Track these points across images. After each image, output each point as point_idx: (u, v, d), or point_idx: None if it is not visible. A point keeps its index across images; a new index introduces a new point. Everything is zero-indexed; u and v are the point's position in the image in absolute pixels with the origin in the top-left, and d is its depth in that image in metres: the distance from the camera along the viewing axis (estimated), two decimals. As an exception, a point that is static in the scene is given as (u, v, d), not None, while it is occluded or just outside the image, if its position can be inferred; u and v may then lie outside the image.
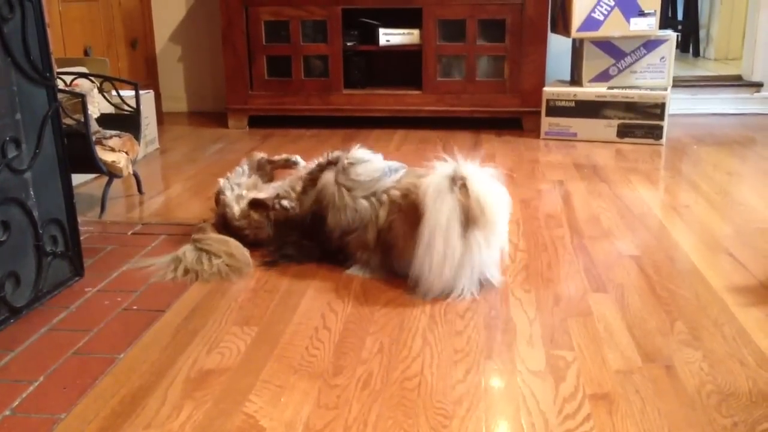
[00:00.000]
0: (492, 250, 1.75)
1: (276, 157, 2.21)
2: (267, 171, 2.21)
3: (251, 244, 1.98)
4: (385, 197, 1.82)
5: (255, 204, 1.99)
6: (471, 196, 1.65)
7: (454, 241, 1.65)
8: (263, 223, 1.98)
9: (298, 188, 1.98)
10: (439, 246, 1.65)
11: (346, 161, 1.88)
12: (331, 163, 1.92)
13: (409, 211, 1.74)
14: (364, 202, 1.83)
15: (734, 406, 1.27)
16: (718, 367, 1.40)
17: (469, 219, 1.65)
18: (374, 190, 1.84)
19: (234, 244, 1.92)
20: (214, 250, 1.89)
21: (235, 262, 1.88)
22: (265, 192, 2.05)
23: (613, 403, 1.28)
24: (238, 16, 3.57)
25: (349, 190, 1.85)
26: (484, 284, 1.75)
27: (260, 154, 2.22)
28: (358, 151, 1.92)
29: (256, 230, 2.00)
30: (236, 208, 2.01)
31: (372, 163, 1.90)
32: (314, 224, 1.89)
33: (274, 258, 1.92)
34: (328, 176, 1.88)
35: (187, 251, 1.90)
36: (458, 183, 1.66)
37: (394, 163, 1.94)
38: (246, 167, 2.17)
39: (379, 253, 1.81)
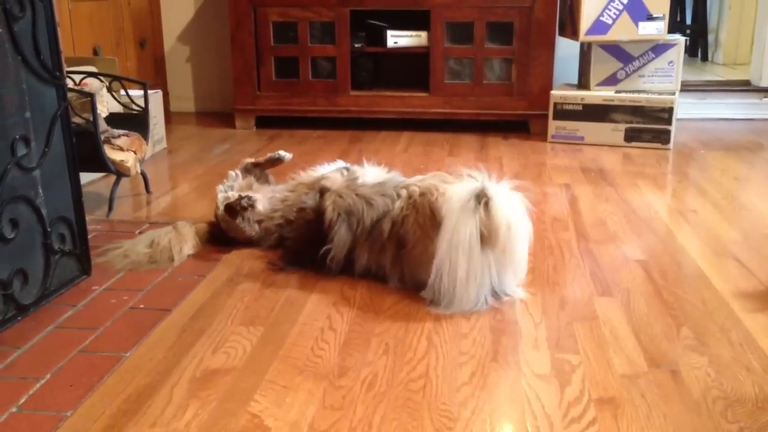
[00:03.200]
0: (508, 272, 1.72)
1: (260, 159, 2.24)
2: (257, 174, 2.23)
3: (241, 243, 2.06)
4: (404, 192, 1.81)
5: (226, 209, 2.03)
6: (493, 219, 1.61)
7: (476, 260, 1.62)
8: (236, 225, 2.03)
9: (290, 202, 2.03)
10: (462, 264, 1.61)
11: (347, 173, 1.93)
12: (324, 191, 1.92)
13: (423, 212, 1.73)
14: (380, 198, 1.84)
15: (740, 412, 1.27)
16: (724, 373, 1.40)
17: (487, 240, 1.63)
18: (391, 186, 1.85)
19: (157, 247, 2.00)
20: (135, 249, 2.00)
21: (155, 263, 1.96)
22: (262, 193, 2.10)
23: (619, 408, 1.28)
24: (246, 16, 3.57)
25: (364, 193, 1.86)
26: (502, 298, 1.72)
27: (247, 160, 2.25)
28: (354, 168, 1.98)
29: (236, 231, 2.05)
30: (221, 210, 2.06)
31: (374, 170, 1.96)
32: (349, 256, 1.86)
33: (282, 265, 1.93)
34: (336, 198, 1.87)
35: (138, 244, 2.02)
36: (482, 202, 1.62)
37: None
38: (239, 171, 2.22)
39: (393, 249, 1.77)
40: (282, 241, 2.02)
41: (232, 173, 2.20)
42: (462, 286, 1.63)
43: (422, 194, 1.76)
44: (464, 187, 1.68)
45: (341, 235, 1.83)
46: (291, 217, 2.00)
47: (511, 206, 1.67)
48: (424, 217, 1.72)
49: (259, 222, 2.04)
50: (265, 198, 2.07)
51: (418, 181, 1.84)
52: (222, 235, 2.07)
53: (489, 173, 1.71)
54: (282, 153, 2.20)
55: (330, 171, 2.01)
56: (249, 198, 2.00)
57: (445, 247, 1.62)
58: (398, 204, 1.79)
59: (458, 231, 1.61)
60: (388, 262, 1.79)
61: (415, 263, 1.74)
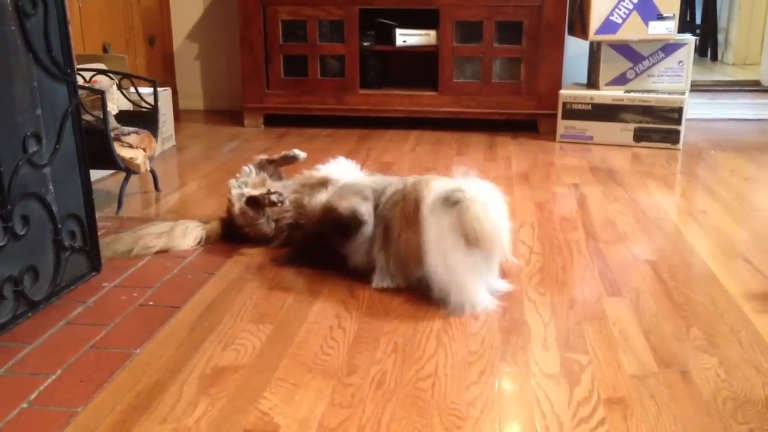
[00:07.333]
0: (492, 268, 1.74)
1: (275, 156, 2.23)
2: (271, 170, 2.23)
3: (253, 241, 2.04)
4: (391, 189, 1.83)
5: (250, 201, 2.02)
6: (468, 219, 1.62)
7: (461, 255, 1.64)
8: (256, 220, 2.01)
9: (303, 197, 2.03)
10: (451, 256, 1.63)
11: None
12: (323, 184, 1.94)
13: (409, 201, 1.73)
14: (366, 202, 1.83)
15: (750, 413, 1.26)
16: (734, 374, 1.39)
17: (468, 240, 1.63)
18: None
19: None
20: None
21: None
22: (273, 189, 2.09)
23: (628, 408, 1.28)
24: (255, 15, 3.58)
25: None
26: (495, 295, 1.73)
27: (261, 156, 2.25)
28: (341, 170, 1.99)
29: (253, 227, 2.03)
30: (237, 206, 2.04)
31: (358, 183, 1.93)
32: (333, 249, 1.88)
33: (284, 261, 1.94)
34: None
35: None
36: (453, 203, 1.64)
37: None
38: (253, 166, 2.21)
39: (380, 236, 1.79)
40: (290, 241, 2.02)
41: (245, 168, 2.18)
42: (458, 276, 1.65)
43: (413, 184, 1.76)
44: (443, 185, 1.69)
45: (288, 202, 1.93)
46: (299, 219, 2.00)
47: (486, 204, 1.65)
48: (409, 207, 1.72)
49: (276, 220, 2.04)
50: None
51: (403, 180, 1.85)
52: (234, 231, 2.06)
53: (469, 171, 1.73)
54: (297, 152, 2.20)
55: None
56: (279, 194, 1.97)
57: (429, 242, 1.64)
58: (390, 190, 1.81)
59: (433, 229, 1.64)
60: (376, 249, 1.79)
61: (403, 254, 1.74)
